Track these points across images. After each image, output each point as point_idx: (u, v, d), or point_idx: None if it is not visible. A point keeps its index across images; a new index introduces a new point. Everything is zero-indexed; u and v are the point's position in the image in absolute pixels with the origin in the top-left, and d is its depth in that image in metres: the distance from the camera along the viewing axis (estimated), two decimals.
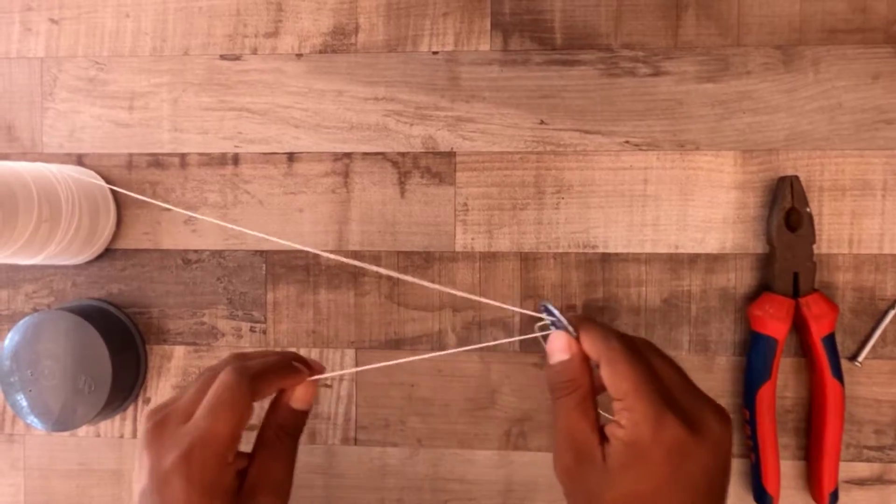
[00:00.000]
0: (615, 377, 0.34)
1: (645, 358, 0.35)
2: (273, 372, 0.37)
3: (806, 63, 0.47)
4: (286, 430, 0.38)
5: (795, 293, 0.46)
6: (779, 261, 0.46)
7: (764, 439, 0.45)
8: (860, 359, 0.47)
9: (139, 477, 0.36)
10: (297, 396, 0.38)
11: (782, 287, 0.46)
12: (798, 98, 0.47)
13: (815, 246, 0.46)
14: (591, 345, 0.35)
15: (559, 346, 0.36)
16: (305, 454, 0.50)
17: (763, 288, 0.47)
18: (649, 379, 0.34)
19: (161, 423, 0.36)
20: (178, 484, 0.34)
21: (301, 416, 0.38)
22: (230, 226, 0.49)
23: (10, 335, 0.48)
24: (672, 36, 0.48)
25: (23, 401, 0.48)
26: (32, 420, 0.48)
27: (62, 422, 0.48)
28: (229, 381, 0.36)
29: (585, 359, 0.36)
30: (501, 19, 0.49)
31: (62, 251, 0.47)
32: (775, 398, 0.46)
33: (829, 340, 0.45)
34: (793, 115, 0.47)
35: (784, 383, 0.47)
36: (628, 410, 0.33)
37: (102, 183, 0.50)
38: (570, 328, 0.36)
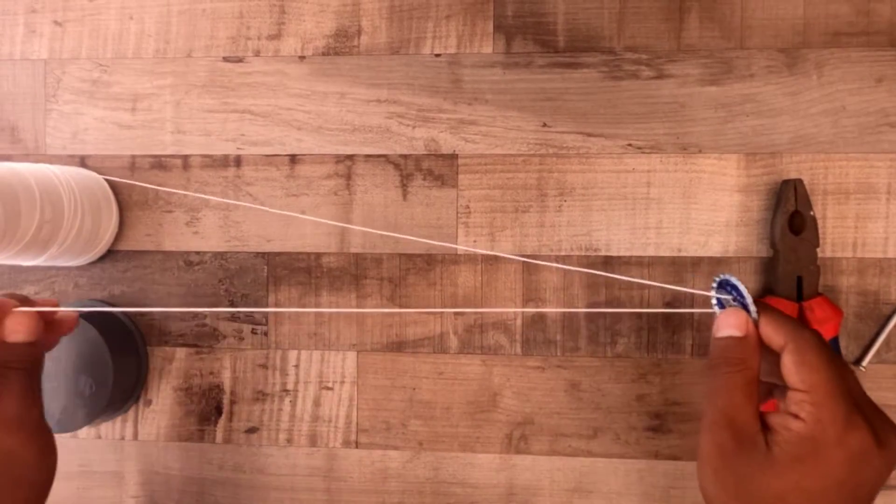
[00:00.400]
0: (803, 368, 0.32)
1: (834, 355, 0.34)
2: None
3: (809, 66, 0.47)
4: (8, 364, 0.38)
5: (799, 297, 0.45)
6: (782, 264, 0.46)
7: None
8: (864, 363, 0.46)
9: None
10: (9, 328, 0.38)
11: (786, 291, 0.45)
12: (802, 101, 0.47)
13: (818, 249, 0.46)
14: (776, 330, 0.34)
15: (733, 323, 0.35)
16: (306, 457, 0.50)
17: (766, 292, 0.47)
18: (841, 376, 0.32)
19: None
20: None
21: (23, 350, 0.38)
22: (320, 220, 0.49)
23: None
24: (675, 38, 0.48)
25: None
26: None
27: (62, 423, 0.47)
28: None
29: (759, 341, 0.34)
30: (504, 22, 0.49)
31: (64, 252, 0.47)
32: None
33: (834, 344, 0.45)
34: (796, 118, 0.47)
35: None
36: (814, 405, 0.32)
37: (104, 184, 0.50)
38: (753, 308, 0.35)
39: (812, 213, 0.46)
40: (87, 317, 0.48)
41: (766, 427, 0.33)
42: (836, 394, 0.32)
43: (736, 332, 0.34)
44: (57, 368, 0.47)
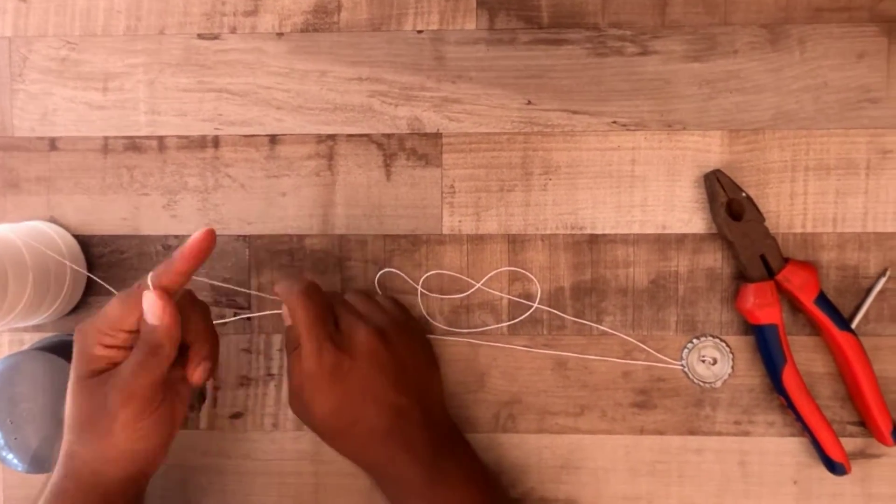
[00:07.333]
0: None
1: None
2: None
3: (792, 42, 0.47)
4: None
5: (770, 273, 0.46)
6: (741, 252, 0.46)
7: (809, 417, 0.45)
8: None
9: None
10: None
11: (756, 273, 0.46)
12: (784, 77, 0.47)
13: (766, 223, 0.46)
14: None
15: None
16: (293, 441, 0.50)
17: (740, 278, 0.47)
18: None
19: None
20: None
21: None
22: None
23: None
24: (659, 15, 0.48)
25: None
26: (9, 457, 0.46)
27: (38, 455, 0.46)
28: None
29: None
30: None
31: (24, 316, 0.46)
32: (800, 376, 0.46)
33: (822, 300, 0.45)
34: (779, 94, 0.47)
35: (809, 358, 0.47)
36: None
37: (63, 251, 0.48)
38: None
39: (744, 193, 0.46)
40: (56, 351, 0.47)
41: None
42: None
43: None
44: (34, 406, 0.46)
